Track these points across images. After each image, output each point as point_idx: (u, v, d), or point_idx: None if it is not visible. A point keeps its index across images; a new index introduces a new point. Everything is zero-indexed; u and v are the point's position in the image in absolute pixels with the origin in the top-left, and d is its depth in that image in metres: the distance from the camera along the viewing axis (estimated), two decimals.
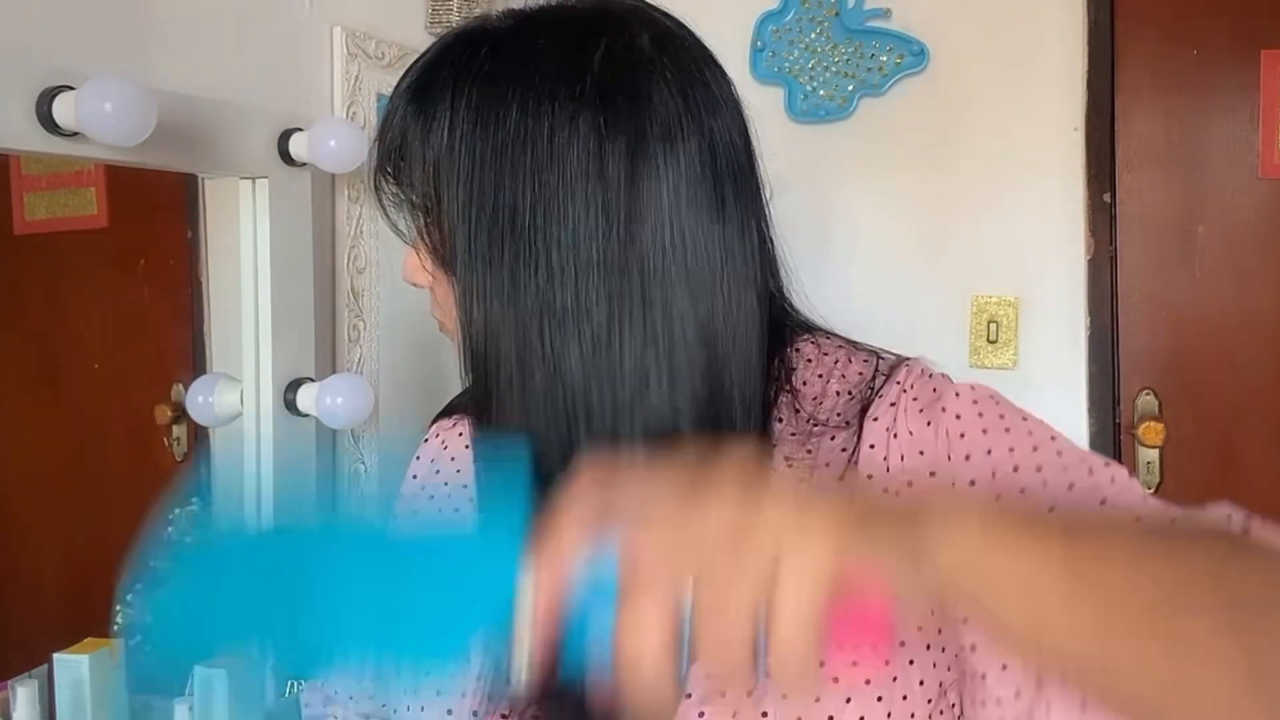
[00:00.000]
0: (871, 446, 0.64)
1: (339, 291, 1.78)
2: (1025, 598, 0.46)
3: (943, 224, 2.19)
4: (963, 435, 0.63)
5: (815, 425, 0.66)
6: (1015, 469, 0.61)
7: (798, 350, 0.72)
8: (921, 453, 0.63)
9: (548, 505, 0.45)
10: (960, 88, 2.17)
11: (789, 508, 0.43)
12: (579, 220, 0.60)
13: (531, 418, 0.62)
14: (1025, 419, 0.64)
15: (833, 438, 0.66)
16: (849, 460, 0.64)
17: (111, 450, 1.70)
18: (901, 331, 2.05)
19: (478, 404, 0.66)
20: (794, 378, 0.70)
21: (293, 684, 1.50)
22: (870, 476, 0.63)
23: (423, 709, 0.69)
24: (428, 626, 0.46)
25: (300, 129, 1.54)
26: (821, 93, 2.23)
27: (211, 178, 1.56)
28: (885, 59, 2.19)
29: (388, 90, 0.97)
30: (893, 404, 0.66)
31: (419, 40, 1.90)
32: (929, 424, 0.64)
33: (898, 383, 0.67)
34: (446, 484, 0.78)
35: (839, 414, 0.67)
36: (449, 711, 0.67)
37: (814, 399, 0.69)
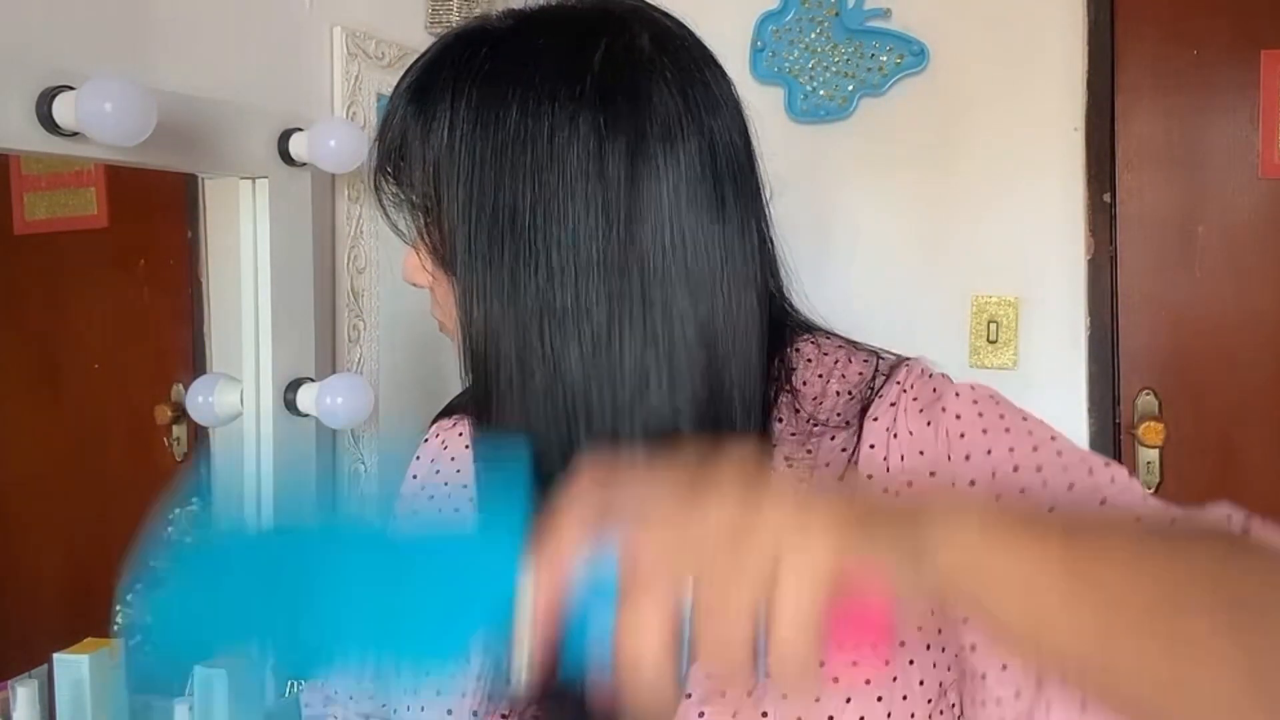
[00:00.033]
0: (871, 446, 0.64)
1: (339, 291, 1.78)
2: (1025, 597, 0.46)
3: (943, 224, 2.19)
4: (963, 435, 0.63)
5: (815, 425, 0.66)
6: (1015, 469, 0.61)
7: (798, 350, 0.72)
8: (921, 453, 0.63)
9: (548, 505, 0.45)
10: (960, 88, 2.17)
11: (789, 507, 0.43)
12: (579, 220, 0.60)
13: (531, 418, 0.62)
14: (1025, 419, 0.64)
15: (833, 438, 0.66)
16: (849, 460, 0.64)
17: (111, 450, 1.70)
18: (901, 331, 2.05)
19: (478, 404, 0.66)
20: (794, 378, 0.70)
21: (292, 684, 1.50)
22: (870, 476, 0.63)
23: (423, 709, 0.69)
24: (428, 626, 0.46)
25: (300, 129, 1.54)
26: (821, 93, 2.23)
27: (211, 178, 1.56)
28: (885, 59, 2.19)
29: (388, 90, 0.97)
30: (893, 404, 0.66)
31: (419, 40, 1.90)
32: (929, 424, 0.64)
33: (898, 383, 0.67)
34: (447, 484, 0.78)
35: (839, 414, 0.67)
36: (449, 711, 0.67)
37: (814, 399, 0.69)
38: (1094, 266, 2.13)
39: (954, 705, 0.64)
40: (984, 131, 2.16)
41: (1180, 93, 2.11)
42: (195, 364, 1.62)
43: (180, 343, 1.67)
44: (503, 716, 0.65)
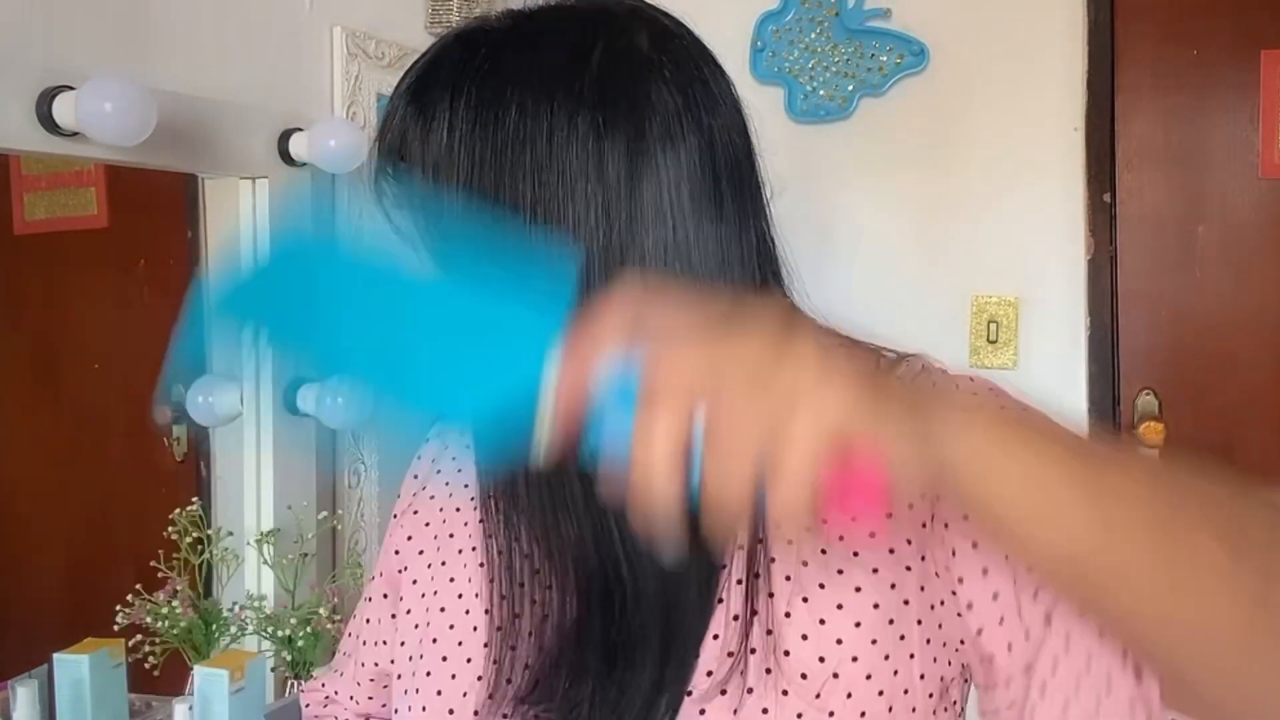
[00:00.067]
0: None
1: None
2: (1026, 490, 0.47)
3: (943, 224, 2.19)
4: None
5: None
6: None
7: None
8: None
9: (587, 309, 0.47)
10: (960, 88, 2.17)
11: (812, 364, 0.44)
12: (579, 220, 0.60)
13: None
14: (1026, 410, 0.64)
15: None
16: None
17: (111, 450, 1.70)
18: (901, 331, 2.04)
19: None
20: None
21: (292, 684, 1.50)
22: None
23: (424, 709, 0.69)
24: (458, 371, 0.48)
25: (300, 129, 1.54)
26: (821, 93, 2.24)
27: (211, 178, 1.56)
28: (885, 59, 2.19)
29: (388, 90, 0.97)
30: None
31: (419, 40, 1.90)
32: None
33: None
34: (448, 483, 0.78)
35: None
36: (450, 711, 0.67)
37: None
38: (1094, 266, 2.13)
39: (955, 702, 0.64)
40: (984, 131, 2.16)
41: (1180, 93, 2.11)
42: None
43: None
44: (504, 716, 0.65)
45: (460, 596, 0.70)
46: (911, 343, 0.70)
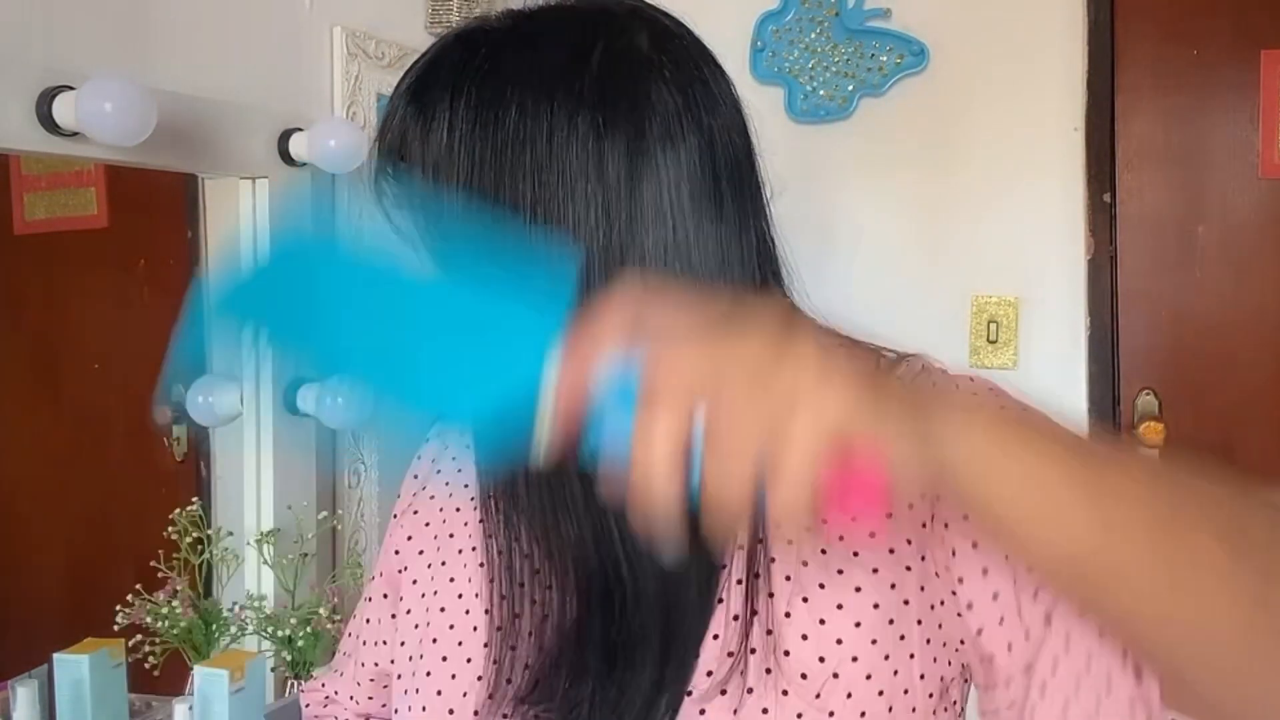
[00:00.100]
0: None
1: None
2: (1027, 489, 0.47)
3: (943, 224, 2.19)
4: None
5: None
6: None
7: None
8: None
9: (588, 309, 0.47)
10: (960, 88, 2.17)
11: (813, 365, 0.44)
12: (579, 219, 0.60)
13: None
14: (1026, 410, 0.64)
15: None
16: None
17: (111, 450, 1.70)
18: (901, 331, 2.04)
19: None
20: None
21: (292, 684, 1.50)
22: None
23: (424, 709, 0.69)
24: (459, 372, 0.48)
25: (300, 129, 1.54)
26: (821, 93, 2.24)
27: (211, 178, 1.56)
28: (885, 59, 2.19)
29: (388, 90, 0.97)
30: None
31: (419, 40, 1.90)
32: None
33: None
34: (448, 483, 0.78)
35: None
36: (450, 711, 0.67)
37: None
38: (1094, 266, 2.13)
39: (955, 703, 0.64)
40: (984, 131, 2.16)
41: (1180, 93, 2.11)
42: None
43: None
44: (504, 716, 0.65)
45: (460, 596, 0.70)
46: (911, 343, 0.70)
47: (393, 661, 0.75)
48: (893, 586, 0.61)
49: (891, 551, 0.61)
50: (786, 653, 0.60)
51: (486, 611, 0.67)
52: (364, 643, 0.86)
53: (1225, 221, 2.11)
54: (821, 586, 0.61)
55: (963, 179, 2.18)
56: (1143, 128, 2.13)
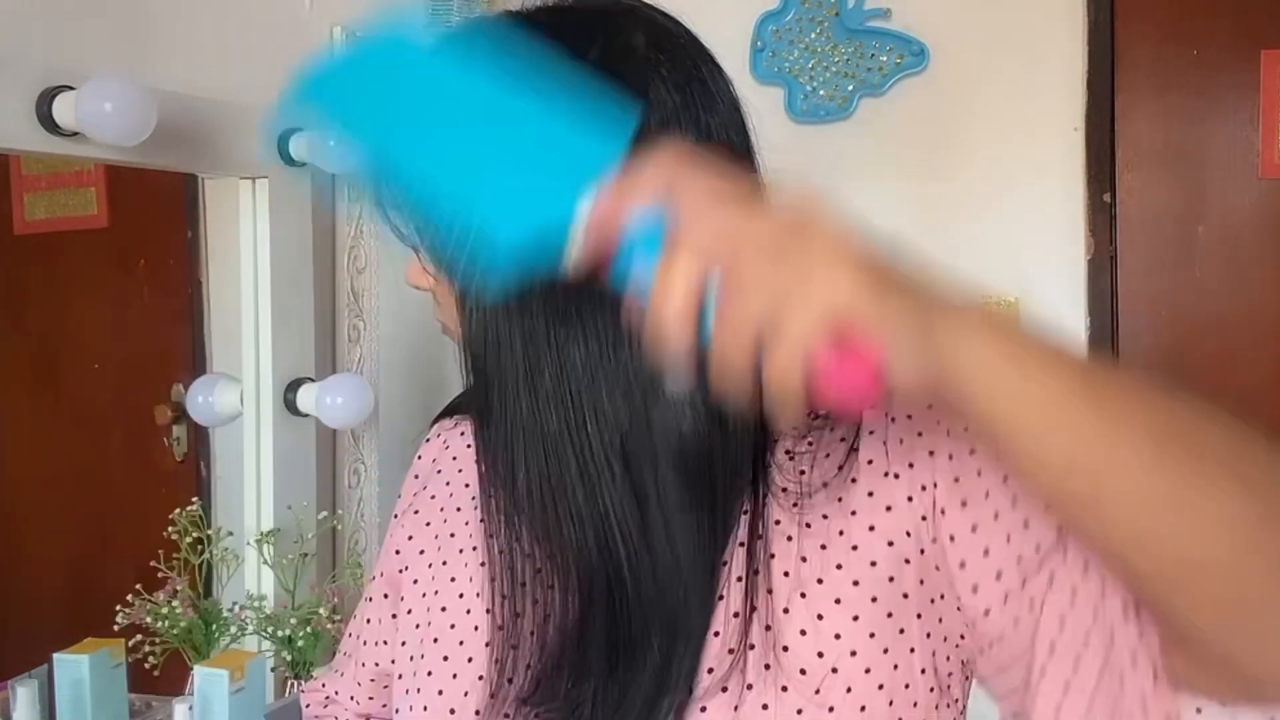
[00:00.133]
0: (871, 432, 0.65)
1: (339, 291, 1.78)
2: (1028, 390, 0.47)
3: (943, 224, 2.19)
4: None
5: (816, 418, 0.66)
6: None
7: None
8: (920, 434, 0.63)
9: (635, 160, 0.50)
10: (960, 88, 2.17)
11: (830, 245, 0.46)
12: None
13: (540, 419, 0.62)
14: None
15: (832, 429, 0.66)
16: (849, 449, 0.64)
17: (111, 450, 1.70)
18: None
19: (480, 405, 0.66)
20: None
21: (292, 684, 1.50)
22: (871, 462, 0.64)
23: (425, 709, 0.69)
24: (514, 182, 0.50)
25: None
26: (821, 93, 2.24)
27: (211, 178, 1.56)
28: (885, 59, 2.19)
29: None
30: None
31: None
32: (929, 406, 0.64)
33: None
34: (449, 483, 0.78)
35: None
36: (451, 711, 0.67)
37: None
38: (1094, 266, 2.13)
39: (957, 700, 0.64)
40: (984, 131, 2.16)
41: (1180, 93, 2.11)
42: (195, 364, 1.62)
43: (180, 343, 1.67)
44: (505, 716, 0.65)
45: (461, 596, 0.70)
46: None
47: (393, 661, 0.75)
48: (891, 580, 0.61)
49: (890, 545, 0.62)
50: (785, 649, 0.60)
51: (488, 611, 0.67)
52: (364, 643, 0.86)
53: (1225, 221, 2.11)
54: (820, 582, 0.61)
55: (963, 179, 2.18)
56: (1143, 128, 2.13)
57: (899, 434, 0.64)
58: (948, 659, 0.63)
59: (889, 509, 0.62)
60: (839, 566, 0.62)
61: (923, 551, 0.61)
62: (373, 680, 0.87)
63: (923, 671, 0.62)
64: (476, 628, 0.68)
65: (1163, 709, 0.55)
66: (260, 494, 1.59)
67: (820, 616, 0.61)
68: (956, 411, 0.49)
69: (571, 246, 0.50)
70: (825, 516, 0.63)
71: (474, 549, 0.72)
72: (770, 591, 0.62)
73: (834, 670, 0.60)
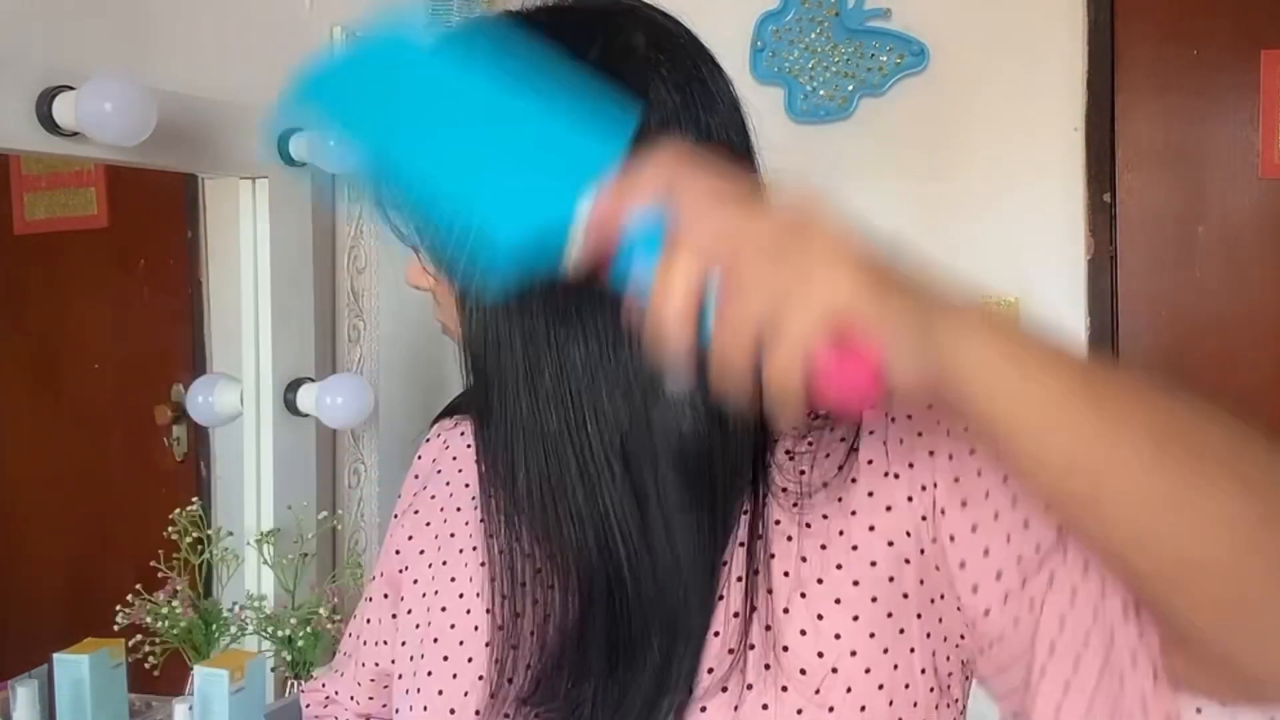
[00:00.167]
0: (871, 432, 0.65)
1: (339, 291, 1.78)
2: (1028, 390, 0.47)
3: (943, 224, 2.19)
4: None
5: (816, 418, 0.66)
6: None
7: None
8: (920, 434, 0.63)
9: (635, 160, 0.50)
10: (960, 88, 2.17)
11: (830, 245, 0.46)
12: None
13: (540, 419, 0.62)
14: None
15: (833, 429, 0.66)
16: (849, 449, 0.64)
17: (111, 450, 1.70)
18: None
19: (480, 405, 0.66)
20: None
21: (292, 684, 1.50)
22: (871, 462, 0.64)
23: (425, 709, 0.69)
24: (514, 181, 0.51)
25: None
26: (821, 93, 2.24)
27: (211, 178, 1.56)
28: (885, 59, 2.19)
29: None
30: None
31: None
32: (929, 406, 0.64)
33: None
34: (449, 483, 0.78)
35: None
36: (451, 711, 0.67)
37: None
38: (1094, 266, 2.13)
39: (957, 700, 0.64)
40: (984, 131, 2.16)
41: (1180, 93, 2.11)
42: (195, 364, 1.62)
43: (180, 343, 1.67)
44: (505, 716, 0.65)
45: (461, 596, 0.70)
46: None
47: (393, 661, 0.75)
48: (891, 579, 0.61)
49: (890, 545, 0.62)
50: (785, 649, 0.60)
51: (488, 611, 0.67)
52: (364, 643, 0.86)
53: (1225, 221, 2.10)
54: (820, 582, 0.61)
55: (963, 179, 2.18)
56: (1143, 128, 2.13)
57: (899, 434, 0.64)
58: (948, 659, 0.63)
59: (889, 509, 0.62)
60: (839, 566, 0.62)
61: (923, 551, 0.61)
62: (373, 680, 0.87)
63: (923, 671, 0.62)
64: (476, 628, 0.68)
65: (1163, 709, 0.55)
66: (260, 494, 1.59)
67: (820, 616, 0.61)
68: (956, 411, 0.49)
69: (571, 246, 0.50)
70: (825, 516, 0.63)
71: (474, 549, 0.72)
72: (770, 591, 0.62)
73: (834, 670, 0.60)
